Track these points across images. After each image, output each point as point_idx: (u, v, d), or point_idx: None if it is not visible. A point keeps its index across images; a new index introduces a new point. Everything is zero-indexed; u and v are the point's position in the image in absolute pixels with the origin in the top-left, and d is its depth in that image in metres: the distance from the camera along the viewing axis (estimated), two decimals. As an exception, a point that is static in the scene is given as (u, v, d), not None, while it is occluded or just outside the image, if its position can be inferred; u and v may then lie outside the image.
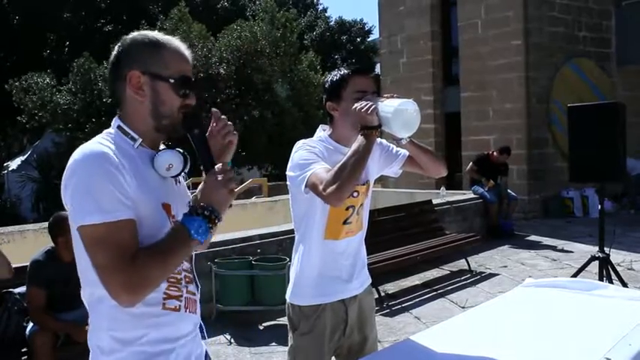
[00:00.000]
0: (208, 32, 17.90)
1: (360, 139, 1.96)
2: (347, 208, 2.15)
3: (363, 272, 2.30)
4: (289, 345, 2.26)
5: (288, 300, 2.25)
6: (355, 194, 2.14)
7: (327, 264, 2.18)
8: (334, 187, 1.89)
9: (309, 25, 29.49)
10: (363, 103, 2.00)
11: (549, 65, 11.18)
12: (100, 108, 17.03)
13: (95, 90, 16.98)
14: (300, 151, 2.09)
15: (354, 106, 2.02)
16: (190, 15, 18.49)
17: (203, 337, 1.70)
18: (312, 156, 2.05)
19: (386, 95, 2.05)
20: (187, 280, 1.62)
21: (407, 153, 2.32)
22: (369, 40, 30.89)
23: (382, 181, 13.65)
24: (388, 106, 1.97)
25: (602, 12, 12.13)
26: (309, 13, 30.45)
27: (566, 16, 11.46)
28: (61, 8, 23.20)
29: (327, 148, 2.15)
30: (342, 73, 2.15)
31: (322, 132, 2.24)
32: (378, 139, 2.19)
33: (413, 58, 12.95)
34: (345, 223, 2.16)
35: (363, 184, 2.19)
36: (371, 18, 68.62)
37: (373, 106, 1.97)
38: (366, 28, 31.21)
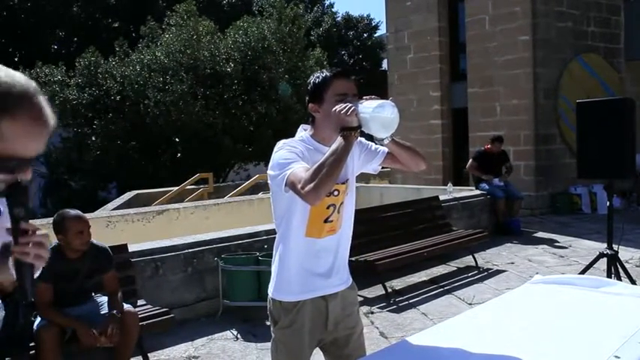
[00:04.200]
0: (216, 28, 17.87)
1: (339, 140, 2.02)
2: (327, 207, 2.18)
3: (343, 269, 2.33)
4: (272, 338, 2.31)
5: (269, 294, 2.31)
6: (335, 193, 2.18)
7: (308, 261, 2.22)
8: (312, 185, 1.93)
9: (316, 21, 29.41)
10: (343, 105, 2.07)
11: (557, 61, 11.11)
12: (107, 105, 17.06)
13: (103, 86, 17.00)
14: (281, 150, 2.14)
15: (334, 108, 2.08)
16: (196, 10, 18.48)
17: None
18: (293, 155, 2.10)
19: (366, 97, 2.12)
20: None
21: (386, 150, 2.37)
22: (376, 35, 30.76)
23: (389, 177, 13.64)
24: (367, 107, 2.05)
25: (611, 7, 12.04)
26: (315, 8, 30.37)
27: (575, 11, 11.38)
28: (70, 3, 23.27)
29: (308, 148, 2.19)
30: (323, 75, 2.21)
31: (303, 132, 2.28)
32: (358, 138, 2.23)
33: (420, 53, 12.90)
34: (326, 221, 2.20)
35: (343, 183, 2.22)
36: (378, 14, 68.52)
37: (352, 108, 2.04)
38: (373, 24, 31.06)
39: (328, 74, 2.20)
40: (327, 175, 1.94)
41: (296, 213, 2.18)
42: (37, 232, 1.35)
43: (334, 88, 2.16)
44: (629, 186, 10.89)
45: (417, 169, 2.43)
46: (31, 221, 1.33)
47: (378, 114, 2.02)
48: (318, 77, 2.22)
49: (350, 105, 2.05)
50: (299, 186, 1.96)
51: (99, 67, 17.18)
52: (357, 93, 2.19)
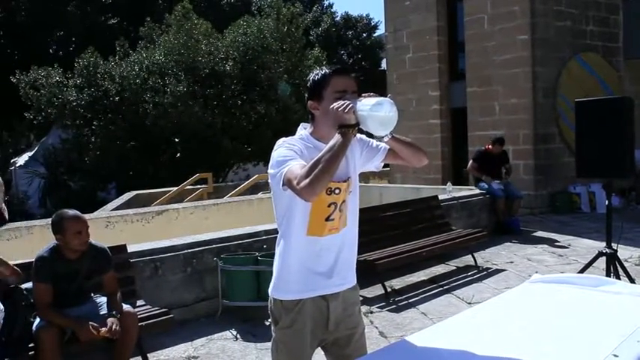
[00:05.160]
0: (213, 29, 17.85)
1: (336, 137, 2.00)
2: (328, 205, 2.17)
3: (345, 269, 2.30)
4: (272, 338, 2.30)
5: (270, 294, 2.29)
6: (337, 191, 2.17)
7: (309, 259, 2.21)
8: (307, 181, 1.93)
9: (315, 21, 29.39)
10: (341, 102, 2.05)
11: (556, 60, 11.11)
12: (106, 105, 17.04)
13: (102, 87, 16.98)
14: (280, 149, 2.13)
15: (332, 106, 2.06)
16: (195, 11, 18.43)
17: None
18: (291, 153, 2.09)
19: (365, 95, 2.08)
20: None
21: (387, 147, 2.35)
22: (375, 35, 30.75)
23: (388, 177, 13.63)
24: (364, 105, 2.02)
25: (610, 6, 12.04)
26: (314, 8, 30.36)
27: (573, 10, 11.38)
28: (67, 3, 23.25)
29: (307, 146, 2.18)
30: (323, 72, 2.19)
31: (303, 130, 2.27)
32: (358, 136, 2.22)
33: (419, 53, 12.90)
34: (327, 220, 2.19)
35: (344, 181, 2.21)
36: (377, 13, 68.55)
37: (350, 105, 2.02)
38: (372, 24, 31.06)
39: (327, 71, 2.19)
40: (322, 171, 1.93)
41: (297, 211, 2.17)
42: None
43: (333, 85, 2.15)
44: (629, 184, 10.89)
45: (419, 164, 2.40)
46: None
47: (376, 112, 2.00)
48: (317, 74, 2.21)
49: (348, 102, 2.03)
50: (295, 182, 1.96)
51: (98, 68, 17.16)
52: (357, 90, 2.17)
